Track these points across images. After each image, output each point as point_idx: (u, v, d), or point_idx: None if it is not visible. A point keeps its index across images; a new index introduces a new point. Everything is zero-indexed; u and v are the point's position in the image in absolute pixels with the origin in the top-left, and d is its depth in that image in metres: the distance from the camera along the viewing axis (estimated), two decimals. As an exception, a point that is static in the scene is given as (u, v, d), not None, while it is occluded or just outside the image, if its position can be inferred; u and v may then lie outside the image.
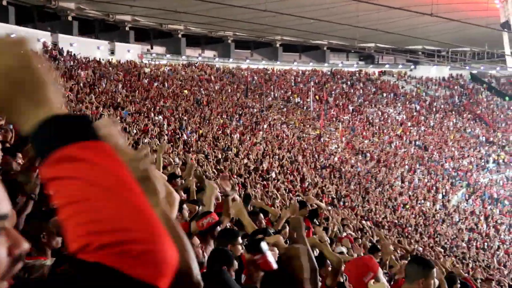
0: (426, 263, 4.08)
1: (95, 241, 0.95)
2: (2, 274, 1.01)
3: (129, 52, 41.48)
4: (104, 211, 0.99)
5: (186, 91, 37.35)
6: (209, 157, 22.32)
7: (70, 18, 41.98)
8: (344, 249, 8.37)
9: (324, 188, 29.65)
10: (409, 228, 28.06)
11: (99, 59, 37.52)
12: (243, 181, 18.06)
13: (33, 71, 1.08)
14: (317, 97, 42.97)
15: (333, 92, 46.30)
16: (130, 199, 1.03)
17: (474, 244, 29.68)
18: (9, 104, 1.07)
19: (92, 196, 1.00)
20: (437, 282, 4.17)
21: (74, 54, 35.94)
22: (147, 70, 39.31)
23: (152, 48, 47.70)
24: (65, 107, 1.13)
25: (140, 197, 1.04)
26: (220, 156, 24.64)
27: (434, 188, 35.69)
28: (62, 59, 34.31)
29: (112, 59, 39.33)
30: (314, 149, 34.92)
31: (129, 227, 0.99)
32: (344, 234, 11.56)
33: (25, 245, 1.05)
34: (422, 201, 33.68)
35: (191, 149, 26.08)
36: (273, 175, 26.61)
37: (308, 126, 38.87)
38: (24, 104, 1.07)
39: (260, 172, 25.15)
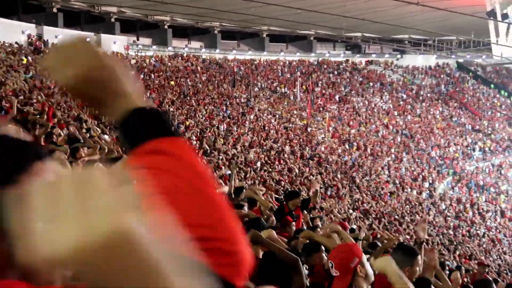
0: (411, 251, 4.12)
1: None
2: None
3: (115, 43, 41.29)
4: (190, 205, 1.06)
5: (172, 83, 37.31)
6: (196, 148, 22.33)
7: (55, 10, 41.74)
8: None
9: (311, 177, 29.79)
10: (396, 217, 28.24)
11: (85, 51, 37.29)
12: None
13: (110, 68, 1.19)
14: (304, 87, 43.01)
15: (319, 82, 46.36)
16: (211, 196, 1.10)
17: (460, 231, 29.93)
18: (95, 99, 1.19)
19: (180, 189, 1.08)
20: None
21: (60, 46, 35.69)
22: (133, 61, 39.19)
23: (138, 39, 47.54)
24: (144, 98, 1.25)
25: (217, 194, 1.11)
26: (208, 147, 24.70)
27: (421, 176, 35.90)
28: (48, 51, 34.08)
29: (98, 51, 39.11)
30: (301, 139, 35.01)
31: (214, 225, 1.06)
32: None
33: None
34: (409, 189, 33.88)
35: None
36: (259, 164, 26.71)
37: (295, 116, 38.94)
38: (108, 98, 1.18)
39: (247, 162, 25.23)
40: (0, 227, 1.03)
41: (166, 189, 1.05)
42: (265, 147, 30.83)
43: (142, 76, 36.15)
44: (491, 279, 5.94)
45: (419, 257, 4.07)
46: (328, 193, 27.34)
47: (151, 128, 1.15)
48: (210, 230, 1.04)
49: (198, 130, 29.33)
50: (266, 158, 28.63)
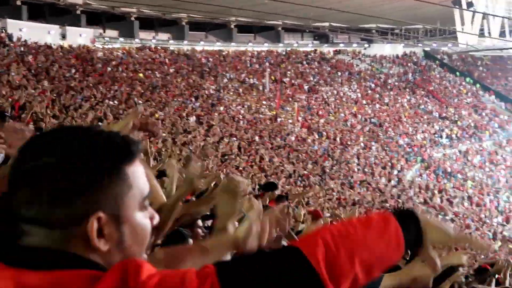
0: None
1: None
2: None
3: (81, 36, 40.69)
4: None
5: (141, 75, 37.03)
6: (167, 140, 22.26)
7: (19, 3, 40.94)
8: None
9: (282, 168, 29.96)
10: (366, 205, 28.53)
11: (50, 44, 36.79)
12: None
13: None
14: (272, 77, 43.06)
15: (288, 72, 46.45)
16: None
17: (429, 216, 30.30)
18: None
19: None
20: None
21: (25, 40, 35.17)
22: (100, 54, 38.76)
23: (104, 31, 46.96)
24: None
25: None
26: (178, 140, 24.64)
27: (390, 164, 36.28)
28: (12, 45, 33.60)
29: (63, 44, 38.61)
30: (270, 129, 35.11)
31: None
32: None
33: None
34: (378, 177, 34.23)
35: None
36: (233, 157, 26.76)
37: (264, 106, 39.00)
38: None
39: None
40: (118, 215, 1.21)
41: None
42: (235, 138, 30.84)
43: (109, 69, 35.80)
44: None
45: None
46: (299, 183, 27.52)
47: None
48: None
49: (169, 122, 29.19)
50: (236, 149, 28.65)
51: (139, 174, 1.25)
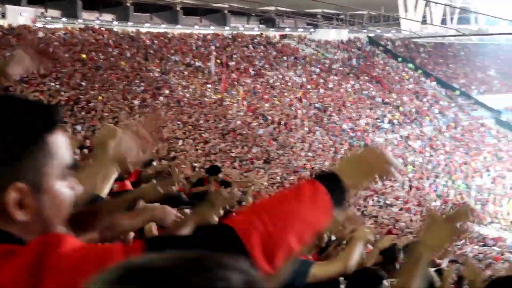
0: None
1: None
2: None
3: (21, 15, 39.56)
4: None
5: (84, 56, 36.34)
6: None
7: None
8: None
9: (227, 152, 30.02)
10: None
11: (-11, 23, 35.72)
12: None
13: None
14: (218, 61, 42.89)
15: (234, 56, 46.35)
16: None
17: (371, 202, 30.94)
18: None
19: None
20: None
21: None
22: (41, 34, 37.80)
23: (46, 11, 45.77)
24: None
25: None
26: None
27: (333, 148, 36.75)
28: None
29: (3, 23, 37.48)
30: (215, 113, 35.06)
31: None
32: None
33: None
34: (322, 162, 34.64)
35: (95, 116, 25.58)
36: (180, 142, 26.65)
37: (209, 90, 38.87)
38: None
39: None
40: (38, 185, 1.20)
41: None
42: (180, 122, 30.68)
43: (51, 49, 34.99)
44: (399, 246, 6.24)
45: None
46: (244, 167, 27.64)
47: None
48: None
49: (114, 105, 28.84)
50: (181, 133, 28.53)
51: (60, 143, 1.24)
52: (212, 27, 52.31)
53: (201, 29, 51.30)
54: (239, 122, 35.20)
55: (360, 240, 4.33)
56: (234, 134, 32.95)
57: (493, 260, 21.84)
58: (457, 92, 49.75)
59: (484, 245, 26.24)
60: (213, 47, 45.08)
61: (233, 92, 39.95)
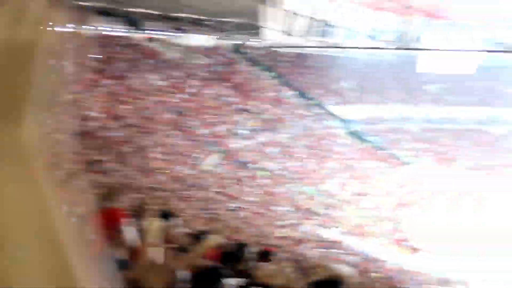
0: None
1: None
2: None
3: None
4: None
5: None
6: None
7: None
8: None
9: (79, 154, 29.49)
10: (166, 194, 29.05)
11: None
12: None
13: None
14: (78, 61, 41.93)
15: (95, 56, 45.50)
16: None
17: (223, 206, 31.72)
18: None
19: None
20: None
21: None
22: None
23: None
24: None
25: None
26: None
27: (190, 153, 37.20)
28: None
29: None
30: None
31: None
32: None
33: None
34: (178, 166, 34.99)
35: None
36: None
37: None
38: None
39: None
40: None
41: None
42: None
43: None
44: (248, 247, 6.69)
45: None
46: (92, 169, 27.36)
47: None
48: None
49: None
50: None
51: None
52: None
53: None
54: (96, 124, 34.74)
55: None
56: (88, 136, 32.49)
57: (332, 260, 23.30)
58: (313, 102, 51.90)
59: (325, 248, 27.89)
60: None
61: (92, 93, 39.31)
